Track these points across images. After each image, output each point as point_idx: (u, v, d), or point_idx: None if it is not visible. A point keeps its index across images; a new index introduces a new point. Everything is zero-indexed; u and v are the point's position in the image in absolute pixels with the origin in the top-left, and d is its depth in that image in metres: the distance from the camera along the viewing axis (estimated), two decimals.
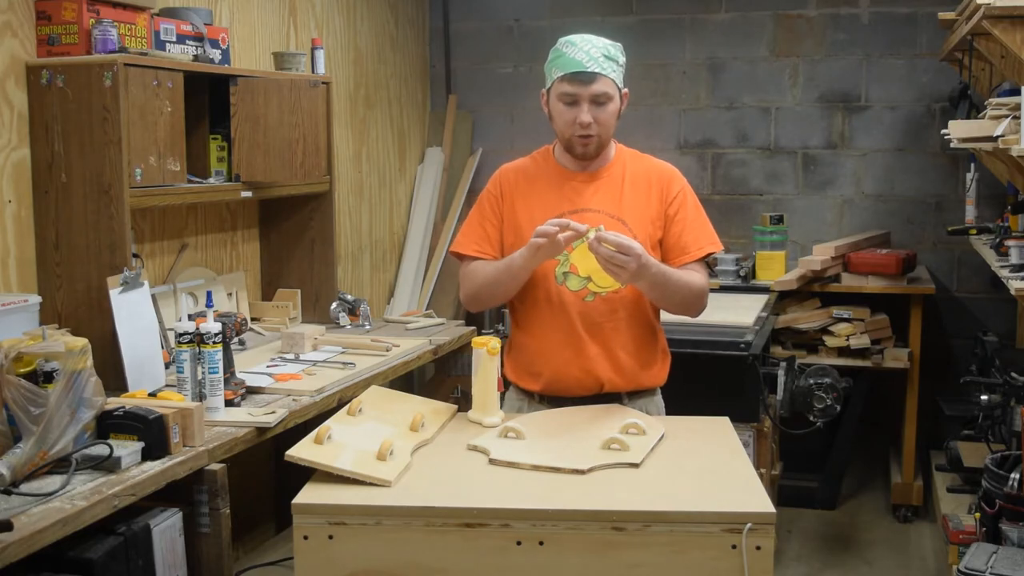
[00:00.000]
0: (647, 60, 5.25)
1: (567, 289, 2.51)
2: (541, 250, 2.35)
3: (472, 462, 2.16)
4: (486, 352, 2.40)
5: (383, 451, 2.06)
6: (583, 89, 2.45)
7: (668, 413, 2.65)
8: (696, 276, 2.53)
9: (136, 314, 2.79)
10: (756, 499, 1.95)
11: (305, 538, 1.92)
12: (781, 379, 3.67)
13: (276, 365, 3.18)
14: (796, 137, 5.14)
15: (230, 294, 3.71)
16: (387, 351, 3.36)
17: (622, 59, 2.52)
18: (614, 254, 2.28)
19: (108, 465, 2.17)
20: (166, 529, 2.25)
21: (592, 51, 2.45)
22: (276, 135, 3.43)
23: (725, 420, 2.48)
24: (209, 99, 3.39)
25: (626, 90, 2.54)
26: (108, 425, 2.26)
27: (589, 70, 2.43)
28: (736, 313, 3.98)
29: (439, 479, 2.05)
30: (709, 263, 2.69)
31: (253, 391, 2.86)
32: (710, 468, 2.14)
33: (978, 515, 3.21)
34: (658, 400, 2.66)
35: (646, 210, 2.54)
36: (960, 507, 3.86)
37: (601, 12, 5.29)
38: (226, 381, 2.64)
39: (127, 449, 2.21)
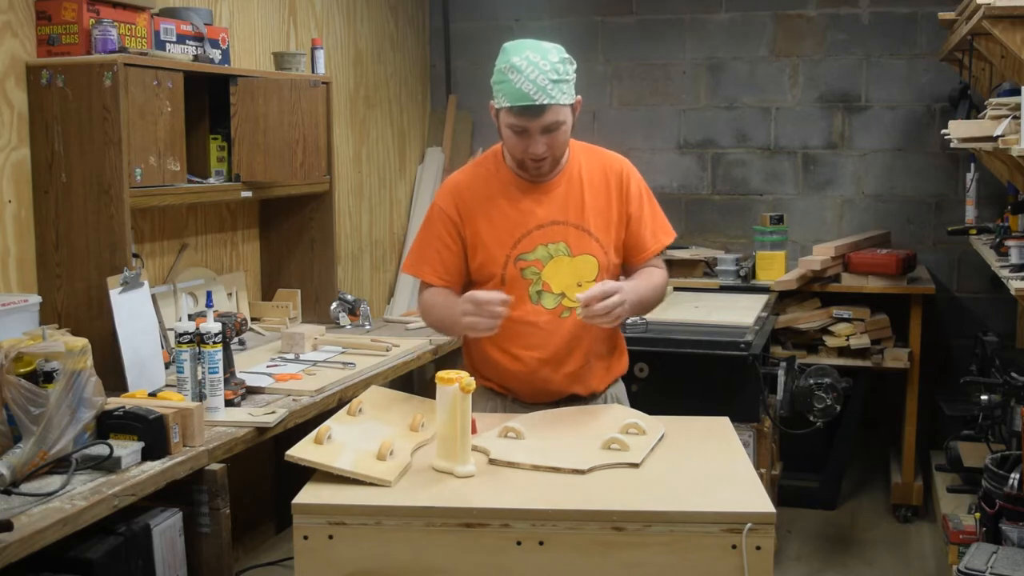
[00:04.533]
0: (647, 60, 5.25)
1: (543, 308, 2.45)
2: (474, 329, 2.30)
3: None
4: (458, 390, 2.05)
5: (383, 451, 2.06)
6: (532, 122, 2.32)
7: (667, 414, 2.64)
8: (656, 274, 2.54)
9: (136, 314, 2.79)
10: (756, 499, 1.95)
11: (305, 538, 1.92)
12: (781, 379, 3.67)
13: (276, 365, 3.18)
14: (796, 137, 5.14)
15: (230, 294, 3.71)
16: (387, 351, 3.37)
17: (572, 69, 2.36)
18: (607, 306, 2.25)
19: (108, 465, 2.18)
20: (166, 529, 2.25)
21: (539, 79, 2.28)
22: (276, 135, 3.43)
23: (725, 420, 2.48)
24: (209, 99, 3.40)
25: (579, 97, 2.41)
26: (108, 425, 2.26)
27: (537, 103, 2.29)
28: (736, 313, 3.98)
29: (439, 479, 2.05)
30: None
31: (253, 391, 2.86)
32: (710, 468, 2.14)
33: (978, 515, 3.21)
34: (621, 385, 2.67)
35: (607, 214, 2.49)
36: (960, 507, 3.86)
37: (601, 12, 5.29)
38: (226, 381, 2.64)
39: (127, 449, 2.21)
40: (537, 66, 2.30)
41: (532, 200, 2.47)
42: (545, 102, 2.30)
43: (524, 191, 2.47)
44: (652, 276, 2.52)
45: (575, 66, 2.40)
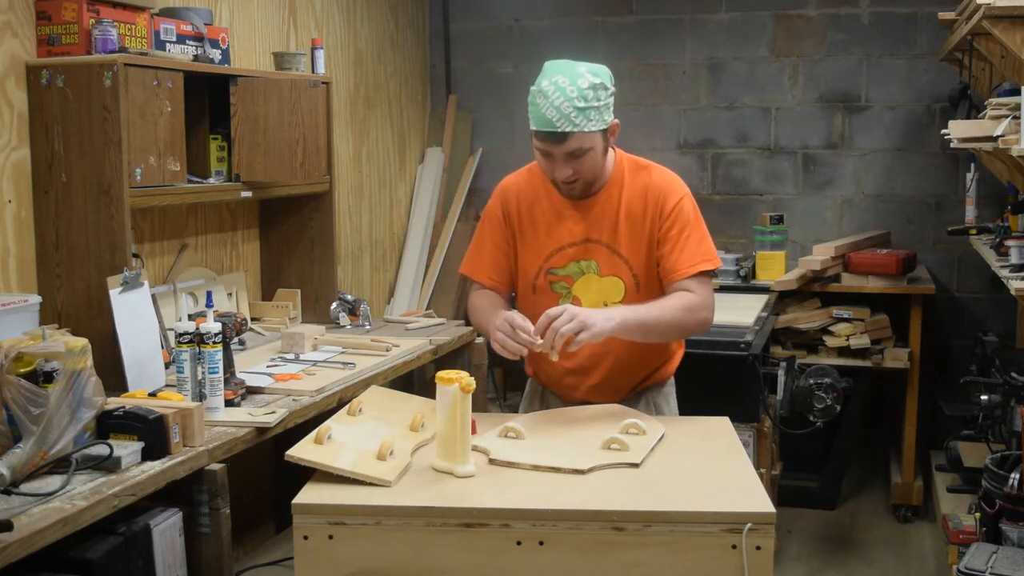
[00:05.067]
0: (647, 60, 5.26)
1: None
2: (502, 348, 2.34)
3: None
4: (458, 390, 2.05)
5: (383, 451, 2.06)
6: (555, 148, 2.34)
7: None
8: (677, 298, 2.41)
9: (136, 314, 2.79)
10: (756, 499, 1.95)
11: (305, 538, 1.92)
12: (781, 379, 3.67)
13: (276, 365, 3.18)
14: (796, 137, 5.14)
15: (230, 294, 3.71)
16: (387, 351, 3.36)
17: (605, 95, 2.34)
18: (552, 329, 2.25)
19: (108, 465, 2.17)
20: (166, 529, 2.25)
21: (563, 106, 2.28)
22: (276, 135, 3.43)
23: (725, 420, 2.48)
24: (209, 99, 3.39)
25: (615, 121, 2.40)
26: (108, 425, 2.26)
27: (559, 130, 2.30)
28: (736, 313, 3.98)
29: (439, 479, 2.05)
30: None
31: (253, 391, 2.86)
32: (710, 468, 2.14)
33: (978, 515, 3.21)
34: (667, 391, 2.66)
35: (640, 236, 2.47)
36: (960, 507, 3.86)
37: (601, 12, 5.29)
38: (226, 381, 2.64)
39: (127, 449, 2.21)
40: (564, 92, 2.29)
41: (571, 216, 2.49)
42: (567, 130, 2.30)
43: (566, 206, 2.51)
44: (668, 300, 2.41)
45: (611, 90, 2.37)
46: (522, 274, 2.56)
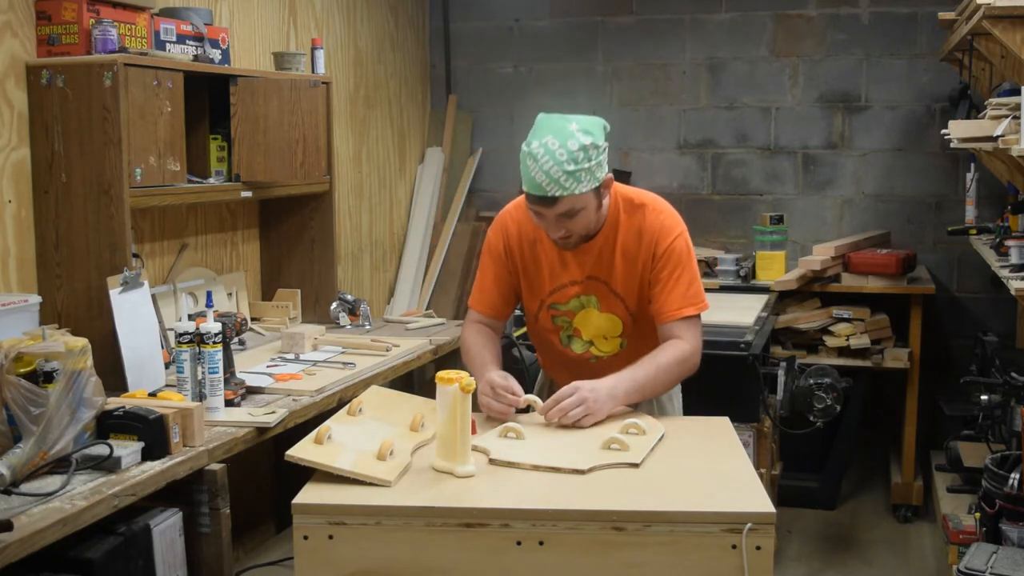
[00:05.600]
0: (647, 60, 5.25)
1: (572, 351, 2.59)
2: (488, 409, 2.39)
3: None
4: (458, 390, 2.05)
5: (383, 451, 2.06)
6: (546, 210, 2.35)
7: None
8: (675, 348, 2.44)
9: (136, 314, 2.79)
10: (756, 499, 1.95)
11: (305, 538, 1.92)
12: (781, 379, 3.66)
13: (276, 365, 3.18)
14: (796, 137, 5.14)
15: (230, 294, 3.71)
16: (387, 351, 3.36)
17: (597, 154, 2.32)
18: (562, 408, 2.30)
19: (108, 465, 2.17)
20: (166, 529, 2.25)
21: (553, 170, 2.27)
22: (276, 135, 3.43)
23: (725, 420, 2.48)
24: (209, 99, 3.39)
25: (608, 176, 2.39)
26: (108, 425, 2.26)
27: (549, 195, 2.30)
28: (736, 313, 3.98)
29: (439, 479, 2.05)
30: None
31: (253, 391, 2.86)
32: (710, 468, 2.14)
33: (978, 515, 3.21)
34: (672, 391, 2.67)
35: (634, 275, 2.49)
36: (960, 507, 3.86)
37: (601, 12, 5.29)
38: (226, 381, 2.64)
39: (127, 449, 2.21)
40: (553, 156, 2.28)
41: (572, 257, 2.52)
42: (556, 194, 2.31)
43: (560, 248, 2.53)
44: (662, 356, 2.43)
45: (603, 146, 2.35)
46: (526, 305, 2.65)
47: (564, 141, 2.28)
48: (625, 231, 2.48)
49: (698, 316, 2.50)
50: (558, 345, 2.61)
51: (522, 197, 2.47)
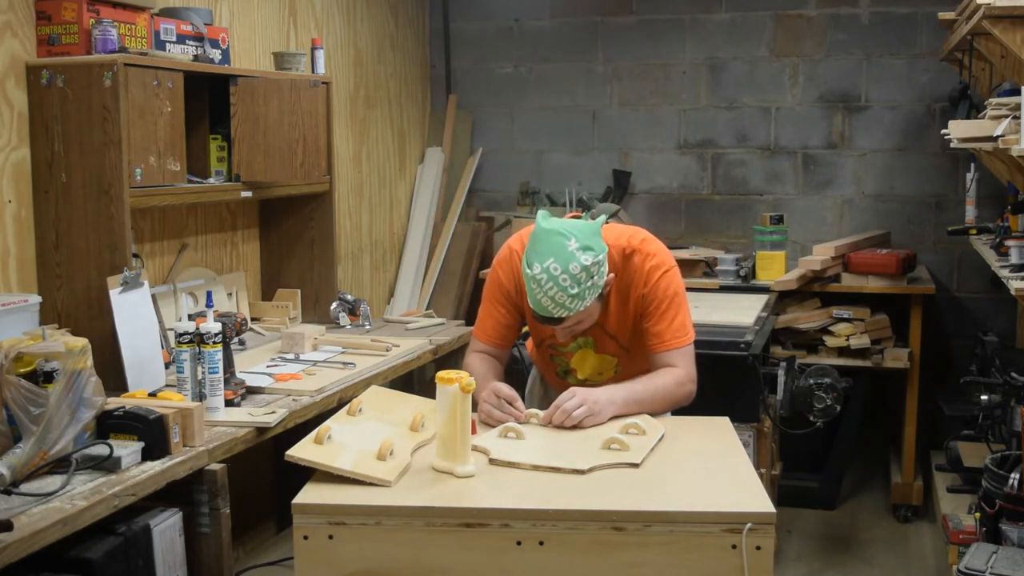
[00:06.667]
0: (647, 60, 5.25)
1: (567, 382, 2.67)
2: (489, 417, 2.42)
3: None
4: (458, 390, 2.06)
5: (383, 451, 2.06)
6: (552, 326, 2.46)
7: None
8: (662, 376, 2.51)
9: (136, 314, 2.79)
10: (756, 499, 1.95)
11: (305, 538, 1.92)
12: (781, 379, 3.66)
13: (276, 365, 3.18)
14: (796, 137, 5.14)
15: (230, 294, 3.71)
16: (387, 351, 3.37)
17: (598, 269, 2.37)
18: (565, 410, 2.34)
19: (108, 465, 2.18)
20: (166, 529, 2.25)
21: (557, 295, 2.34)
22: (276, 135, 3.43)
23: (725, 420, 2.48)
24: (209, 99, 3.40)
25: (609, 276, 2.46)
26: (108, 425, 2.26)
27: (555, 316, 2.39)
28: (736, 313, 3.97)
29: (439, 479, 2.05)
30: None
31: (253, 391, 2.86)
32: (710, 468, 2.14)
33: (978, 515, 3.21)
34: None
35: (627, 313, 2.58)
36: (960, 507, 3.86)
37: (601, 12, 5.29)
38: (226, 381, 2.64)
39: (127, 449, 2.21)
40: (556, 281, 2.33)
41: None
42: (562, 315, 2.39)
43: None
44: (660, 378, 2.51)
45: (602, 257, 2.38)
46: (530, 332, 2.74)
47: (566, 265, 2.32)
48: (619, 281, 2.56)
49: (691, 346, 2.58)
50: (555, 377, 2.74)
51: (528, 230, 2.51)
